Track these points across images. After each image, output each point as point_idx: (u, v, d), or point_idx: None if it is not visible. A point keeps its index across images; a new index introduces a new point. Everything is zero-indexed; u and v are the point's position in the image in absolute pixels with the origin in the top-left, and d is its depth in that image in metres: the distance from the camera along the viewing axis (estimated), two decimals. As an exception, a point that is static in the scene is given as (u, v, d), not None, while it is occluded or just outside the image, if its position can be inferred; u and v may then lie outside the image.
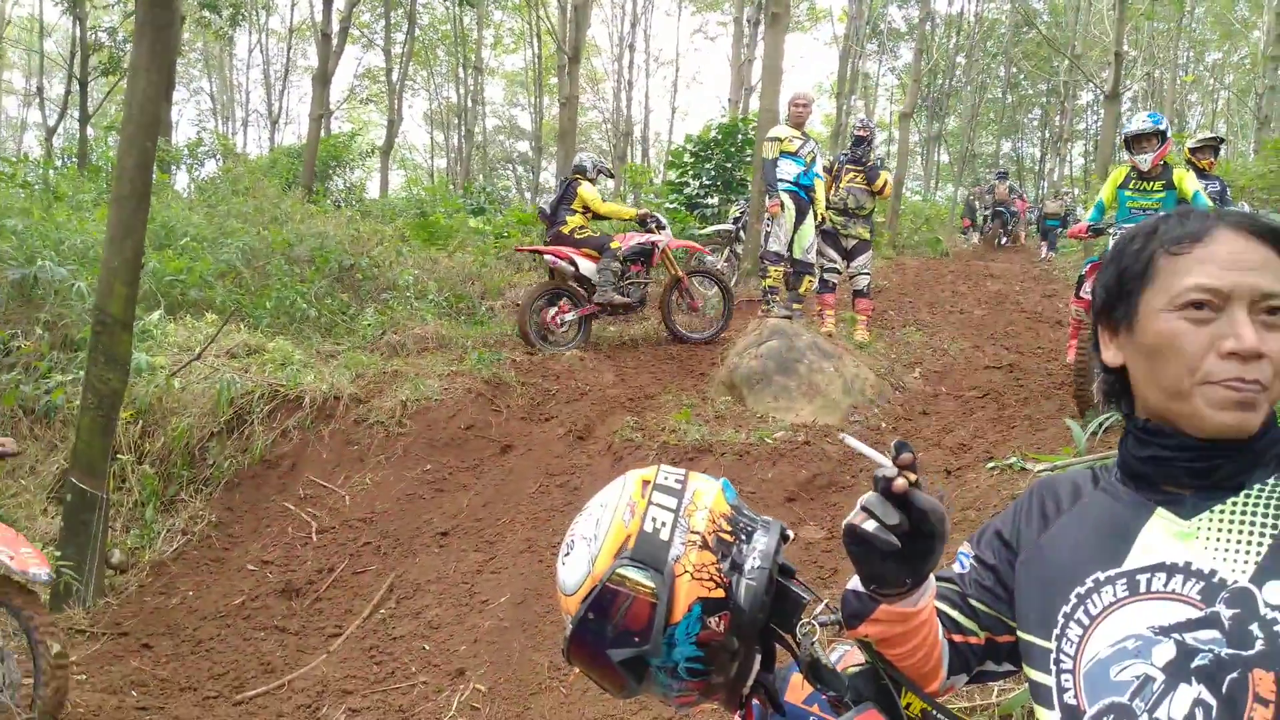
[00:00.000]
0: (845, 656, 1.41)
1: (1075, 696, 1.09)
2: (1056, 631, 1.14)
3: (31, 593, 3.63)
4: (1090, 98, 31.37)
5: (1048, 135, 35.83)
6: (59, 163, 16.46)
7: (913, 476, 1.06)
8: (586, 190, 8.64)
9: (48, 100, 24.77)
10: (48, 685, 3.42)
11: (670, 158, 20.52)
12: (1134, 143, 6.18)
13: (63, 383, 6.47)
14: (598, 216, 8.80)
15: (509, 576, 5.16)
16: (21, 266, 7.20)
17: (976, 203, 21.68)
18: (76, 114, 17.69)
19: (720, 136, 16.28)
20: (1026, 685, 1.20)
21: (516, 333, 8.51)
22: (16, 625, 3.62)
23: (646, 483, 1.30)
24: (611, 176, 10.28)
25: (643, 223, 8.93)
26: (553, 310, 8.47)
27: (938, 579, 1.29)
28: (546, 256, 8.53)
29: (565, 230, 8.54)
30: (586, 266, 8.37)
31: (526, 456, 6.47)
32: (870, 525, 1.07)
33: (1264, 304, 1.03)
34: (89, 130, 17.55)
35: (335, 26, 17.38)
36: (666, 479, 1.31)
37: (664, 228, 8.95)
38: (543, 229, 9.23)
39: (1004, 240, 19.63)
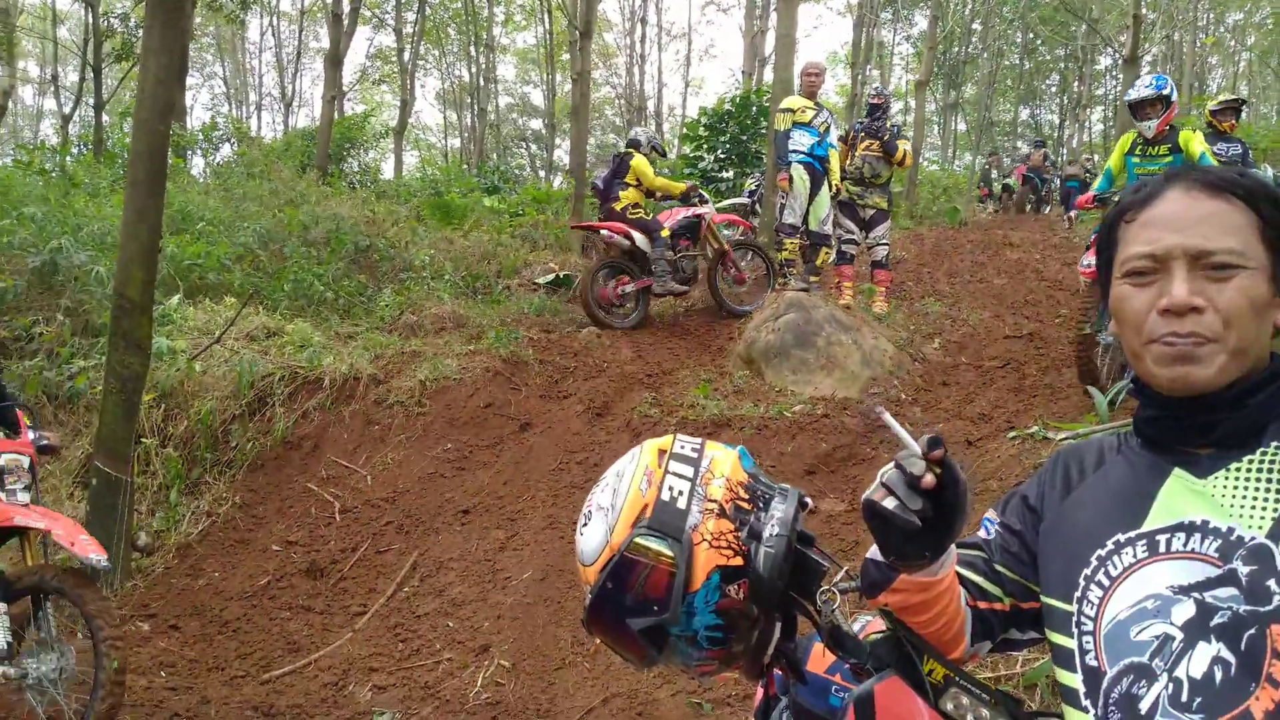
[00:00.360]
0: (867, 626, 1.41)
1: (1096, 658, 1.10)
2: (1077, 594, 1.14)
3: (104, 597, 3.53)
4: (1109, 62, 30.89)
5: (1066, 101, 35.34)
6: (75, 150, 16.54)
7: (939, 470, 1.07)
8: (639, 163, 8.62)
9: (62, 88, 24.86)
10: (104, 701, 3.35)
11: (684, 131, 20.42)
12: (1138, 109, 6.01)
13: (85, 368, 6.52)
14: (649, 192, 8.79)
15: (531, 553, 5.18)
16: (41, 254, 7.24)
17: (994, 171, 21.46)
18: (91, 101, 17.74)
19: (734, 109, 16.18)
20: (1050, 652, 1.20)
21: (582, 312, 8.52)
22: (84, 625, 3.47)
23: (663, 452, 1.30)
24: (664, 154, 10.23)
25: (685, 198, 8.91)
26: (612, 284, 8.48)
27: (963, 546, 1.30)
28: (602, 231, 8.55)
29: (618, 207, 8.53)
30: (642, 240, 8.37)
31: (546, 434, 6.48)
32: (890, 503, 1.08)
33: (1204, 260, 1.05)
34: (104, 116, 17.58)
35: (346, 7, 17.34)
36: (683, 448, 1.30)
37: (706, 202, 8.94)
38: (573, 206, 9.20)
39: (1041, 208, 19.37)
